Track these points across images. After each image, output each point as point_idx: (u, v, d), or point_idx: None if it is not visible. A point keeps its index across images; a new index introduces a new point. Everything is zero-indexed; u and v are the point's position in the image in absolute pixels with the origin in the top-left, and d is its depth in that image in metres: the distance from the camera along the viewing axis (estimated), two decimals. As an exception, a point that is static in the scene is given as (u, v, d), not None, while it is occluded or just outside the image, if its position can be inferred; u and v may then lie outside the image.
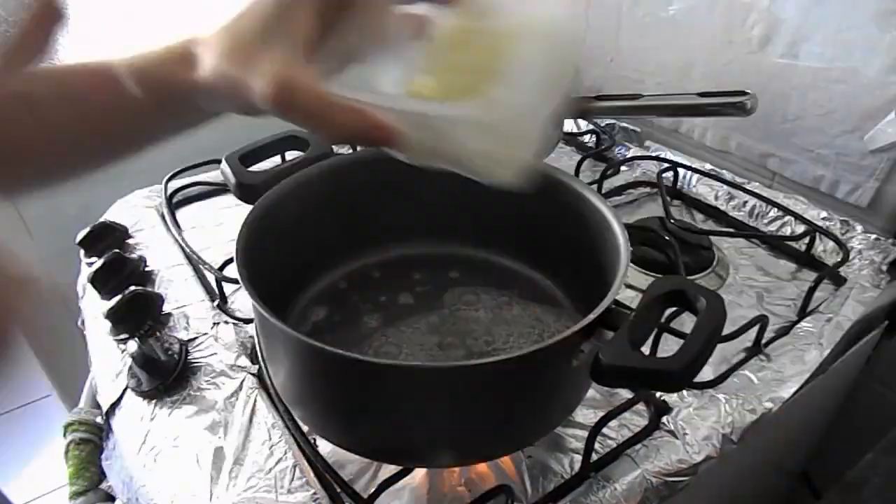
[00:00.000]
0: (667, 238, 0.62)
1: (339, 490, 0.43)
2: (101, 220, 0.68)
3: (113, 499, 0.53)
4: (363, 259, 0.57)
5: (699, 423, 0.47)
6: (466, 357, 0.47)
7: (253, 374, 0.52)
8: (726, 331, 0.52)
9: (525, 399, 0.34)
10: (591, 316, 0.34)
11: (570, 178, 0.49)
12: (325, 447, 0.46)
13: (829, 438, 0.78)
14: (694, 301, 0.34)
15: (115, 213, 0.71)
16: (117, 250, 0.62)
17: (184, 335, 0.56)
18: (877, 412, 0.74)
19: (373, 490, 0.41)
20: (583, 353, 0.32)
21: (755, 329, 0.54)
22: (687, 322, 0.56)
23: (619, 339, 0.31)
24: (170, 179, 0.74)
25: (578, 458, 0.45)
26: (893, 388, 0.72)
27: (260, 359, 0.51)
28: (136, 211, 0.72)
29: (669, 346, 0.53)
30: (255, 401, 0.50)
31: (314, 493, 0.43)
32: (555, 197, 0.49)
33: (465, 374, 0.31)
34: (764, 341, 0.54)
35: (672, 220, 0.65)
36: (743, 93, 0.63)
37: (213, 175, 0.77)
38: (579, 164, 0.76)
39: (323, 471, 0.43)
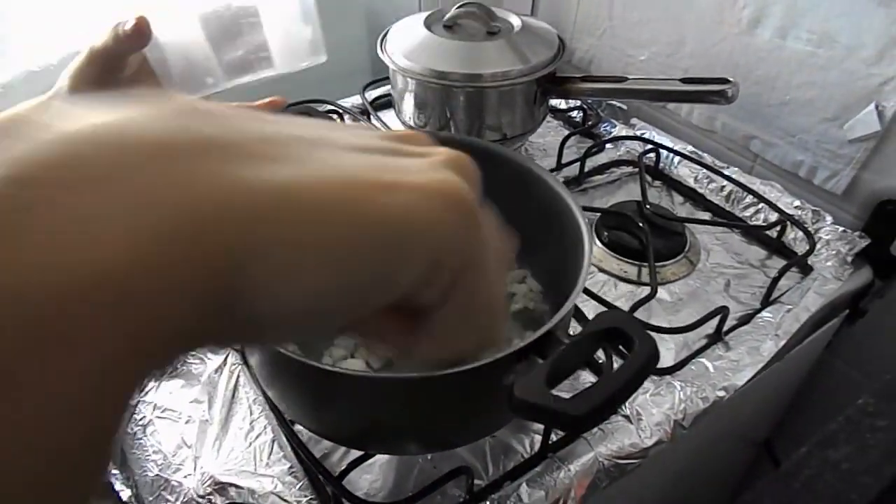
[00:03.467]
0: (640, 224, 0.63)
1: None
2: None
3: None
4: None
5: (653, 409, 0.50)
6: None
7: (237, 350, 0.55)
8: (689, 320, 0.55)
9: (470, 404, 0.36)
10: (521, 343, 0.33)
11: (549, 175, 0.50)
12: (301, 424, 0.49)
13: (793, 410, 0.81)
14: (629, 342, 0.32)
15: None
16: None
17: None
18: (840, 388, 0.77)
19: (344, 467, 0.45)
20: (515, 373, 0.32)
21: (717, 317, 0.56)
22: (656, 312, 0.58)
23: (536, 374, 0.30)
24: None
25: (539, 438, 0.49)
26: (856, 367, 0.75)
27: (243, 337, 0.54)
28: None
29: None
30: (238, 376, 0.53)
31: (291, 467, 0.47)
32: (531, 192, 0.51)
33: (403, 385, 0.33)
34: (725, 329, 0.56)
35: (648, 206, 0.66)
36: (725, 80, 0.63)
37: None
38: (564, 140, 0.77)
39: (297, 447, 0.47)
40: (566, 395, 0.29)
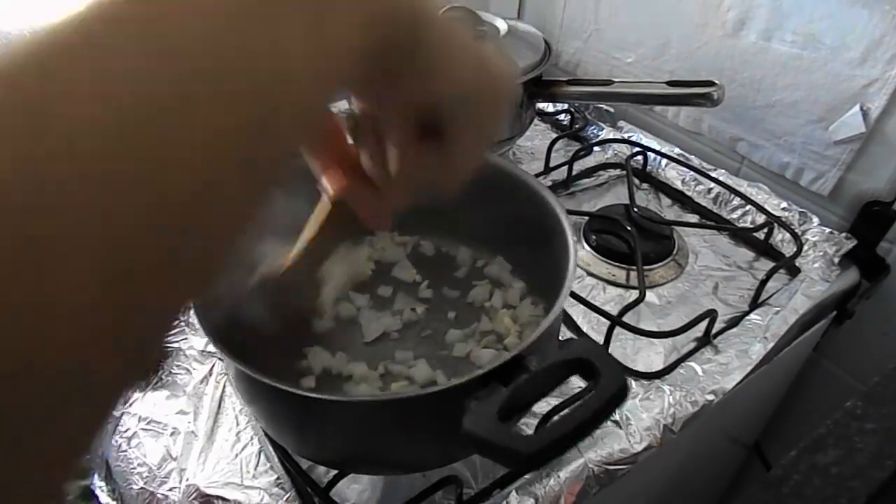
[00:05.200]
0: (628, 227, 0.63)
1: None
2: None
3: (91, 473, 0.56)
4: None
5: (643, 414, 0.50)
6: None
7: (222, 360, 0.54)
8: (678, 323, 0.55)
9: (441, 428, 0.35)
10: (484, 369, 0.32)
11: (543, 188, 0.49)
12: (288, 434, 0.48)
13: (782, 412, 0.82)
14: (596, 375, 0.30)
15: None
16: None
17: (157, 319, 0.58)
18: (828, 389, 0.78)
19: (331, 478, 0.44)
20: (477, 399, 0.30)
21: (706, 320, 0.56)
22: (645, 316, 0.58)
23: (490, 404, 0.29)
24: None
25: (528, 445, 0.48)
26: (844, 368, 0.75)
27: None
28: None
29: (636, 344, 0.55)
30: (224, 387, 0.52)
31: (277, 479, 0.46)
32: (525, 203, 0.50)
33: (373, 407, 0.33)
34: (714, 332, 0.56)
35: (636, 209, 0.66)
36: (710, 83, 0.63)
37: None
38: (552, 144, 0.77)
39: (283, 459, 0.46)
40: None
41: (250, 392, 0.39)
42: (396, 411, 0.34)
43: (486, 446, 0.27)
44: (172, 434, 0.50)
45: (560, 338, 0.54)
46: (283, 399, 0.35)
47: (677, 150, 0.76)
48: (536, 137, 0.83)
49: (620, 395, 0.28)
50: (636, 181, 0.75)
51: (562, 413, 0.47)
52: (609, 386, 0.28)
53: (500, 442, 0.27)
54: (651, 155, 0.75)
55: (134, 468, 0.49)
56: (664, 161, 0.75)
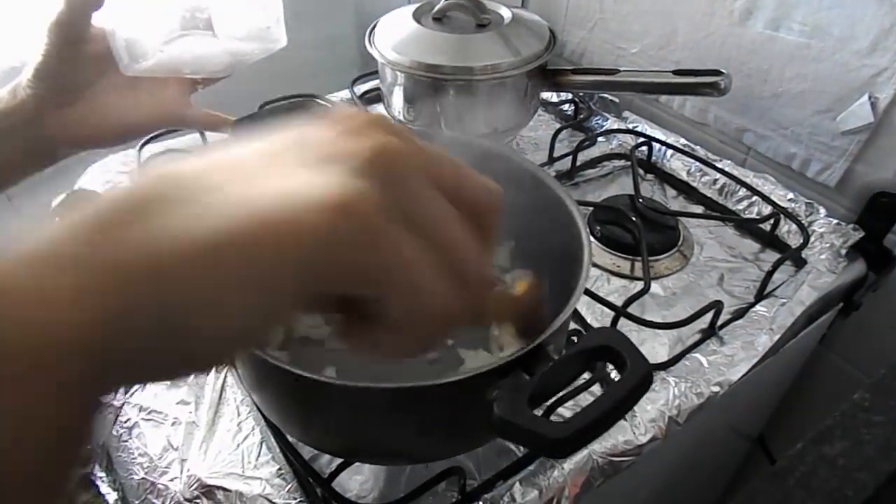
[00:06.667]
0: (633, 218, 0.63)
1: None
2: (76, 187, 0.68)
3: (92, 463, 0.56)
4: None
5: (647, 405, 0.50)
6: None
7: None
8: (683, 315, 0.55)
9: (455, 418, 0.35)
10: (508, 358, 0.32)
11: (554, 182, 0.48)
12: (290, 425, 0.48)
13: (786, 404, 0.81)
14: (621, 362, 0.30)
15: (90, 180, 0.71)
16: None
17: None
18: (834, 382, 0.77)
19: (333, 468, 0.44)
20: (500, 388, 0.30)
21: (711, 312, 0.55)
22: (650, 307, 0.58)
23: (519, 392, 0.28)
24: (144, 145, 0.74)
25: (532, 436, 0.48)
26: (850, 361, 0.75)
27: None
28: (111, 177, 0.72)
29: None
30: (226, 377, 0.52)
31: (279, 469, 0.46)
32: (527, 192, 0.49)
33: (386, 395, 0.32)
34: (719, 324, 0.56)
35: (640, 200, 0.66)
36: (717, 72, 0.63)
37: (187, 141, 0.76)
38: (556, 134, 0.76)
39: (285, 449, 0.46)
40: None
41: (258, 380, 0.39)
42: (415, 400, 0.33)
43: (518, 432, 0.27)
44: (173, 424, 0.50)
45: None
46: (300, 386, 0.34)
47: (683, 140, 0.75)
48: (540, 127, 0.82)
49: (647, 380, 0.28)
50: (641, 172, 0.74)
51: (575, 400, 0.47)
52: (637, 372, 0.28)
53: (535, 429, 0.26)
54: (656, 145, 0.75)
55: (135, 458, 0.49)
56: (669, 152, 0.74)
